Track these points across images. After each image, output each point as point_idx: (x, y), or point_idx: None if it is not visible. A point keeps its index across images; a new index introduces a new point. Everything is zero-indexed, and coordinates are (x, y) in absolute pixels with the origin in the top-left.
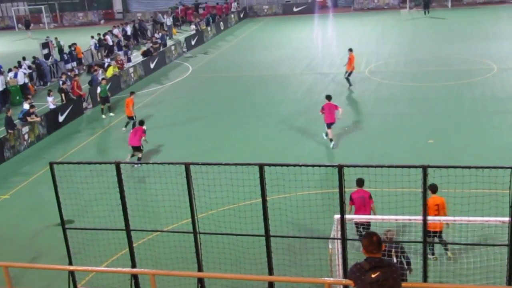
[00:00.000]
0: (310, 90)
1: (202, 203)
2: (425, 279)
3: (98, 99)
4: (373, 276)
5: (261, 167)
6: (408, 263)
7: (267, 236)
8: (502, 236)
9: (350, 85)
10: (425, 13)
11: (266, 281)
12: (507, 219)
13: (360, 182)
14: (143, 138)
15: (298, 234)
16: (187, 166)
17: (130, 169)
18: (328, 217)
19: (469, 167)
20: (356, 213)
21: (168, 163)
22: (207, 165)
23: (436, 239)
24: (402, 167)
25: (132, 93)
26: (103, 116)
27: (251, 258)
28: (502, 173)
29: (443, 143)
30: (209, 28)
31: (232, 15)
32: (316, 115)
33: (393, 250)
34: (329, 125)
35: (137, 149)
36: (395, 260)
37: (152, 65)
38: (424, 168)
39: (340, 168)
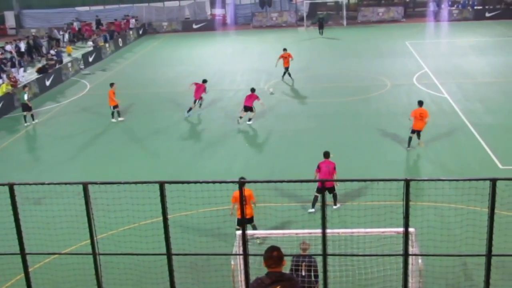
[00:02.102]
0: (211, 107)
1: (102, 224)
2: None
3: (30, 104)
4: None
5: (161, 184)
6: (316, 276)
7: (169, 254)
8: (397, 246)
9: (288, 78)
10: (320, 33)
11: None
12: (401, 229)
13: (326, 155)
14: (204, 93)
15: (200, 251)
16: (85, 185)
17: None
18: (230, 233)
19: (365, 180)
20: (321, 177)
21: (66, 183)
22: (106, 184)
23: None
24: (301, 181)
25: (112, 84)
26: (26, 124)
27: (152, 277)
28: (396, 185)
29: (341, 157)
30: (107, 45)
31: (131, 32)
32: (216, 132)
33: (302, 263)
34: (245, 108)
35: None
36: (303, 274)
37: (47, 83)
38: (323, 182)
39: (241, 184)
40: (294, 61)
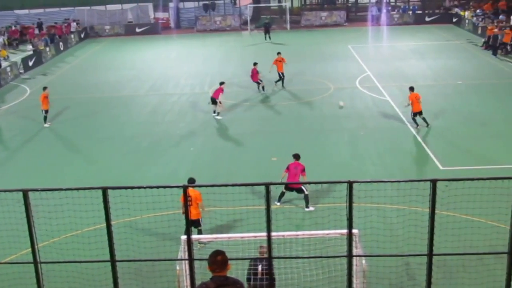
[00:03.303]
0: (155, 111)
1: (43, 231)
2: None
3: None
4: None
5: (104, 190)
6: (273, 279)
7: (113, 261)
8: (342, 248)
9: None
10: (265, 38)
11: None
12: (345, 231)
13: (297, 156)
14: (221, 95)
15: (145, 257)
16: (25, 192)
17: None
18: (175, 238)
19: (309, 183)
20: (288, 178)
21: (5, 191)
22: (47, 191)
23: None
24: (246, 185)
25: (45, 87)
26: None
27: (96, 285)
28: (340, 187)
29: (286, 160)
30: (47, 49)
31: (73, 35)
32: (160, 136)
33: (259, 268)
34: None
35: (214, 101)
36: (261, 277)
37: None
38: (267, 185)
39: (185, 188)
40: (239, 65)
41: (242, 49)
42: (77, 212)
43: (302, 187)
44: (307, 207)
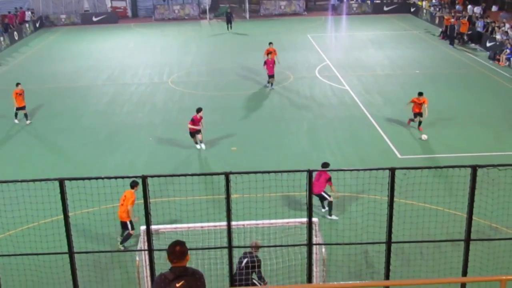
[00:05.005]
0: (113, 101)
1: None
2: (231, 283)
3: None
4: (177, 285)
5: (61, 182)
6: (259, 272)
7: (71, 253)
8: (302, 237)
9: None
10: (227, 28)
11: None
12: (305, 220)
13: (323, 165)
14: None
15: (103, 248)
16: None
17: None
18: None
19: (269, 172)
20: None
21: None
22: (2, 183)
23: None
24: (205, 175)
25: (18, 84)
26: None
27: (54, 277)
28: (300, 177)
29: (245, 150)
30: (1, 38)
31: (27, 25)
32: (118, 126)
33: (244, 262)
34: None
35: (198, 131)
36: (244, 272)
37: None
38: (227, 175)
39: (144, 179)
40: (198, 54)
41: (200, 38)
42: (33, 204)
43: (324, 194)
44: (329, 214)
